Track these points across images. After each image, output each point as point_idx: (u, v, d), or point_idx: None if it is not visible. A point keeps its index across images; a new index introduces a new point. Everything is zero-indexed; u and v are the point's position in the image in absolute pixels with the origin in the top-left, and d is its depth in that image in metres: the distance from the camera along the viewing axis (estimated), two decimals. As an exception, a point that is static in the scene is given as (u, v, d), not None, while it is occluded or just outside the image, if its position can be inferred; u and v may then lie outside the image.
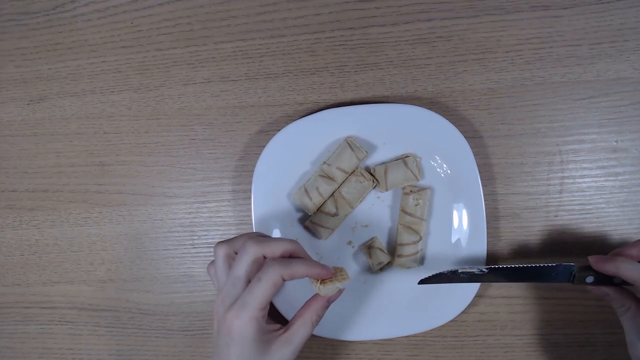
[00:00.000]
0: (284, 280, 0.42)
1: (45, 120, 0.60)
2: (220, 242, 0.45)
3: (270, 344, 0.42)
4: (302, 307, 0.45)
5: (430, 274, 0.50)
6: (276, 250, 0.43)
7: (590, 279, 0.48)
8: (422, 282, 0.51)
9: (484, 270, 0.50)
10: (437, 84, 0.56)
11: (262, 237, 0.44)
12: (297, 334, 0.43)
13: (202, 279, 0.59)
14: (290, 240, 0.44)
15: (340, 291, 0.45)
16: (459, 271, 0.50)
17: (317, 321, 0.45)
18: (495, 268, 0.50)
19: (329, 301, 0.45)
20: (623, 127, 0.54)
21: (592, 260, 0.47)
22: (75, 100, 0.60)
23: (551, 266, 0.48)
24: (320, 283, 0.43)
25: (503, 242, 0.56)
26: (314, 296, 0.45)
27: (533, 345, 0.56)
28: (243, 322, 0.41)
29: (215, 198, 0.59)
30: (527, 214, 0.56)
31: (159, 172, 0.59)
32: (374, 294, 0.56)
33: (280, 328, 0.44)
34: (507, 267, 0.49)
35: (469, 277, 0.50)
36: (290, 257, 0.44)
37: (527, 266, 0.49)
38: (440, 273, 0.50)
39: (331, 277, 0.44)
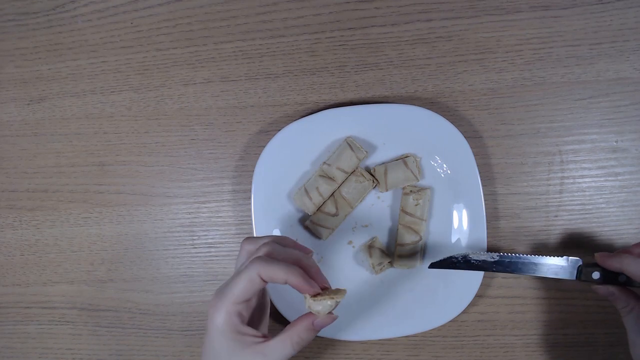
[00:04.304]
0: (263, 280, 0.40)
1: (45, 120, 0.60)
2: (248, 237, 0.45)
3: (244, 347, 0.40)
4: (290, 323, 0.42)
5: (441, 258, 0.51)
6: (278, 273, 0.40)
7: (596, 275, 0.48)
8: (432, 266, 0.51)
9: (495, 257, 0.50)
10: (437, 84, 0.56)
11: (282, 243, 0.44)
12: (274, 351, 0.40)
13: (202, 279, 0.59)
14: (292, 266, 0.41)
15: (331, 317, 0.42)
16: (470, 256, 0.51)
17: (300, 343, 0.41)
18: (505, 255, 0.50)
19: (315, 324, 0.41)
20: (623, 127, 0.54)
21: (598, 256, 0.48)
22: (75, 100, 0.60)
23: (559, 257, 0.49)
24: (311, 297, 0.41)
25: (503, 242, 0.56)
26: (303, 315, 0.42)
27: (533, 345, 0.56)
28: (217, 312, 0.40)
29: (215, 198, 0.59)
30: (527, 214, 0.56)
31: (159, 172, 0.59)
32: (374, 294, 0.56)
33: (264, 337, 0.42)
34: (516, 255, 0.50)
35: (480, 264, 0.50)
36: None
37: (535, 256, 0.50)
38: (450, 257, 0.51)
39: (320, 293, 0.41)
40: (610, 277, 0.48)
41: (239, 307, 0.41)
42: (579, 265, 0.49)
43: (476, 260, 0.51)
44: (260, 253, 0.42)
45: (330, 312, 0.42)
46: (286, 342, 0.41)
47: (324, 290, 0.42)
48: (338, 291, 0.42)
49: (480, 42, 0.55)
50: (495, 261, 0.50)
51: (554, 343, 0.56)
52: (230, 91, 0.58)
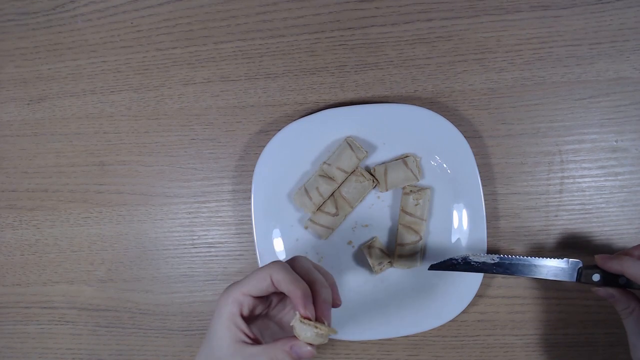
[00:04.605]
0: (272, 282, 0.41)
1: (45, 120, 0.60)
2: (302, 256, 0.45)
3: (232, 339, 0.41)
4: (276, 340, 0.42)
5: (440, 260, 0.51)
6: (285, 281, 0.41)
7: (596, 277, 0.48)
8: (432, 267, 0.51)
9: (495, 259, 0.50)
10: (437, 84, 0.56)
11: (320, 271, 0.44)
12: (251, 357, 0.41)
13: (202, 279, 0.59)
14: (301, 282, 0.41)
15: (310, 351, 0.41)
16: (470, 257, 0.51)
17: None
18: (505, 257, 0.50)
19: (292, 350, 0.40)
20: (623, 127, 0.54)
21: (598, 258, 0.48)
22: (75, 100, 0.60)
23: (559, 259, 0.49)
24: (300, 318, 0.40)
25: (503, 242, 0.56)
26: (287, 336, 0.41)
27: (533, 345, 0.56)
28: (224, 296, 0.42)
29: (215, 198, 0.59)
30: (527, 214, 0.56)
31: (159, 172, 0.59)
32: (374, 294, 0.56)
33: (254, 339, 0.42)
34: (516, 257, 0.50)
35: (479, 266, 0.50)
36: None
37: (535, 258, 0.50)
38: (450, 259, 0.51)
39: (311, 319, 0.40)
40: (611, 279, 0.48)
41: (243, 299, 0.42)
42: (579, 267, 0.49)
43: (476, 262, 0.51)
44: (284, 261, 0.43)
45: (311, 345, 0.41)
46: (261, 355, 0.41)
47: (318, 322, 0.41)
48: (328, 328, 0.41)
49: (480, 42, 0.55)
50: (495, 263, 0.50)
51: (554, 343, 0.56)
52: (230, 91, 0.58)
